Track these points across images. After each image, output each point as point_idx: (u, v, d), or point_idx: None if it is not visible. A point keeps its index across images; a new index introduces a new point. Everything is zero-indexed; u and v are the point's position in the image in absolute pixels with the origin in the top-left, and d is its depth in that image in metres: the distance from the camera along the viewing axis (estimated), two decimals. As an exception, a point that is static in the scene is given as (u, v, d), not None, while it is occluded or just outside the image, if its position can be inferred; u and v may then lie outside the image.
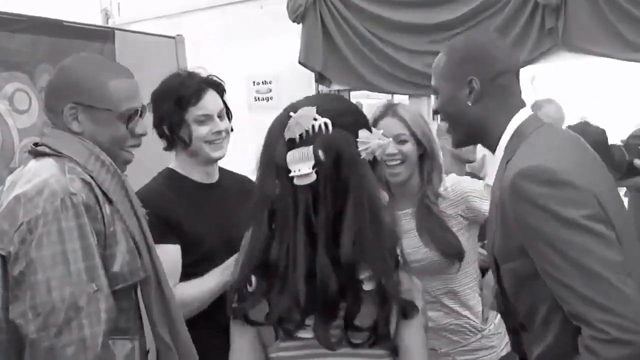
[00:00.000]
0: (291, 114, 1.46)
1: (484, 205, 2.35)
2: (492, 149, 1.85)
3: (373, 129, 1.52)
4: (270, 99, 5.10)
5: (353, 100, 5.08)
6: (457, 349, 2.49)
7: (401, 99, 4.76)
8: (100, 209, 1.81)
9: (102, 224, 1.80)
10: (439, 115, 2.00)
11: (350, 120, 1.49)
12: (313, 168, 1.40)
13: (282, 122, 1.47)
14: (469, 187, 2.47)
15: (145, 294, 1.92)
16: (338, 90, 4.90)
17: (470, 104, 1.82)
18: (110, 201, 1.85)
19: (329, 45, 4.63)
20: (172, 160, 2.46)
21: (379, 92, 4.85)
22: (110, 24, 5.39)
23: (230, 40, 5.07)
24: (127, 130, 1.92)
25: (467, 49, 1.88)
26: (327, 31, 4.62)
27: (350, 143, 1.44)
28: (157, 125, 2.36)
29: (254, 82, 5.12)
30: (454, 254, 2.41)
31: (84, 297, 1.68)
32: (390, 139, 1.64)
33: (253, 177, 3.60)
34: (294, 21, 4.65)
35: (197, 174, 2.38)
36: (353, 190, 1.41)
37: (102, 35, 3.62)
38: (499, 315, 2.52)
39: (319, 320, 1.42)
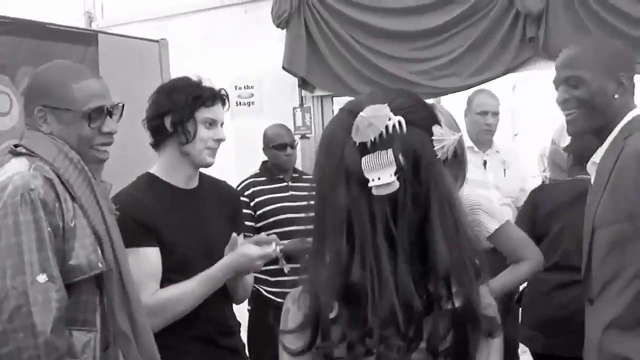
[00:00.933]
0: (360, 114, 1.24)
1: (489, 222, 2.40)
2: (603, 136, 2.05)
3: (442, 124, 1.33)
4: (252, 103, 5.11)
5: (336, 107, 5.13)
6: None
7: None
8: (61, 204, 1.90)
9: (62, 219, 1.90)
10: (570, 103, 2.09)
11: (424, 116, 1.29)
12: (395, 174, 1.20)
13: (345, 122, 1.26)
14: (481, 201, 2.46)
15: (107, 287, 2.00)
16: (321, 96, 4.92)
17: (617, 97, 2.02)
18: (73, 197, 1.95)
19: (312, 51, 4.65)
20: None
21: (361, 98, 4.87)
22: (94, 27, 5.37)
23: (213, 45, 5.07)
24: (93, 129, 2.01)
25: (615, 46, 2.13)
26: (311, 37, 4.64)
27: (426, 143, 1.25)
28: (157, 116, 2.35)
29: (236, 87, 5.11)
30: None
31: (35, 286, 1.78)
32: (461, 132, 1.48)
33: (234, 180, 3.60)
34: (278, 26, 4.66)
35: (179, 178, 2.38)
36: (434, 195, 1.24)
37: (86, 38, 3.62)
38: None
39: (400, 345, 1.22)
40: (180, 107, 2.32)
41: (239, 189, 3.70)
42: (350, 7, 4.54)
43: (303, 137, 4.82)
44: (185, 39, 4.93)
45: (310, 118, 4.87)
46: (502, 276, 2.49)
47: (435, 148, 1.25)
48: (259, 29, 4.85)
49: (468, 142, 4.00)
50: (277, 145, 3.96)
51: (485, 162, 3.94)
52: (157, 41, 4.16)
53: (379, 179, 1.20)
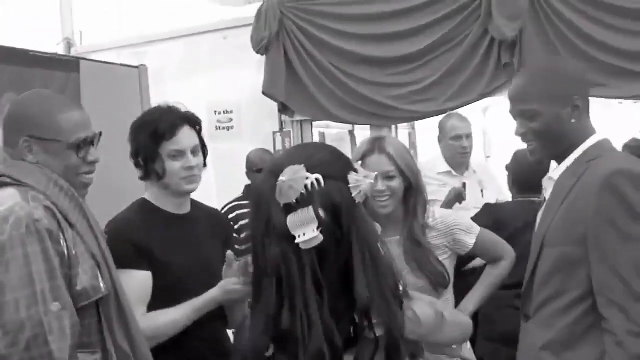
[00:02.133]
0: (281, 178, 1.35)
1: (468, 239, 2.52)
2: (564, 158, 2.02)
3: (357, 166, 1.46)
4: (231, 128, 5.16)
5: (315, 131, 5.18)
6: None
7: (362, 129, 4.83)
8: (63, 233, 1.94)
9: (65, 247, 1.93)
10: (531, 137, 2.07)
11: (339, 168, 1.41)
12: (317, 229, 1.31)
13: (270, 185, 1.37)
14: (457, 221, 2.57)
15: (106, 308, 2.02)
16: (300, 121, 4.98)
17: (574, 121, 1.98)
18: (71, 225, 1.98)
19: (291, 77, 4.70)
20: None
21: (340, 122, 4.94)
22: (73, 53, 5.37)
23: (192, 70, 5.11)
24: (79, 159, 2.05)
25: (566, 69, 2.08)
26: (290, 63, 4.69)
27: (344, 192, 1.37)
28: (134, 156, 2.39)
29: (215, 112, 5.16)
30: (441, 282, 2.49)
31: (49, 315, 1.81)
32: (376, 172, 1.61)
33: (215, 203, 3.60)
34: (257, 52, 4.71)
35: (170, 205, 2.41)
36: (354, 238, 1.36)
37: (67, 65, 3.66)
38: (469, 343, 2.59)
39: None
40: (144, 147, 2.35)
41: (223, 211, 3.73)
42: (328, 34, 4.61)
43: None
44: (164, 64, 4.96)
45: (290, 142, 4.92)
46: (485, 278, 2.62)
47: (353, 194, 1.37)
48: (238, 55, 4.90)
49: (445, 167, 4.11)
50: (260, 169, 4.00)
51: (464, 185, 4.01)
52: (137, 67, 4.21)
53: (304, 234, 1.31)
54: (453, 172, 4.10)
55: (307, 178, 1.34)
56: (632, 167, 1.85)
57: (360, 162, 2.48)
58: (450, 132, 4.11)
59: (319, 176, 1.35)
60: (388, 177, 2.47)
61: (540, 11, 4.04)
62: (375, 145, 2.50)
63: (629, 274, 1.76)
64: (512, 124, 2.13)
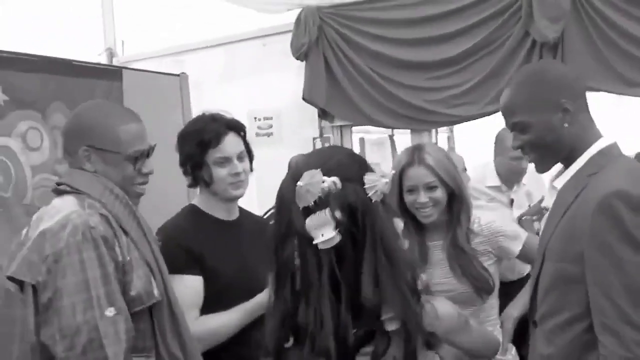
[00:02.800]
0: (299, 183, 1.43)
1: (513, 246, 2.50)
2: (570, 162, 1.93)
3: (373, 167, 1.54)
4: (271, 134, 5.19)
5: (355, 136, 5.18)
6: None
7: (402, 133, 4.81)
8: (117, 239, 1.98)
9: (119, 253, 1.97)
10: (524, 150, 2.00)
11: (355, 169, 1.49)
12: (335, 229, 1.40)
13: (290, 188, 1.46)
14: (502, 228, 2.55)
15: (158, 314, 2.06)
16: (340, 126, 4.99)
17: (567, 126, 1.89)
18: (125, 232, 2.02)
19: (331, 82, 4.72)
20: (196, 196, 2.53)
21: (380, 127, 4.93)
22: (115, 62, 5.48)
23: (231, 78, 5.18)
24: (135, 170, 2.10)
25: (551, 74, 1.98)
26: (330, 68, 4.72)
27: (359, 193, 1.45)
28: (182, 164, 2.44)
29: (255, 118, 5.20)
30: (485, 288, 2.48)
31: (104, 320, 1.86)
32: (393, 171, 1.67)
33: (256, 210, 3.64)
34: (297, 59, 4.75)
35: (218, 211, 2.45)
36: (369, 235, 1.43)
37: (110, 74, 3.72)
38: (514, 348, 2.57)
39: None
40: (191, 156, 2.39)
41: (264, 217, 3.75)
42: (367, 39, 4.62)
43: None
44: (204, 72, 5.02)
45: (330, 148, 4.94)
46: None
47: (369, 194, 1.44)
48: (278, 61, 4.95)
49: (495, 182, 3.90)
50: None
51: (512, 201, 3.89)
52: (177, 75, 4.25)
53: (322, 235, 1.39)
54: (503, 187, 3.89)
55: (323, 182, 1.42)
56: (631, 189, 1.75)
57: (400, 173, 2.48)
58: (512, 151, 3.91)
59: (336, 179, 1.43)
60: (430, 188, 2.45)
61: (582, 11, 3.99)
62: (415, 156, 2.48)
63: (622, 299, 1.70)
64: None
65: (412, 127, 4.69)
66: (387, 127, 4.97)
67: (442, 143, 6.19)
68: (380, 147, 5.62)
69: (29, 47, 3.42)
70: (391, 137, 5.74)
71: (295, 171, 1.47)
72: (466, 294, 2.47)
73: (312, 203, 1.41)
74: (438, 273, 2.51)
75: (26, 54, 3.22)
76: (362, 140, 5.69)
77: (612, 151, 1.90)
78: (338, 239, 1.40)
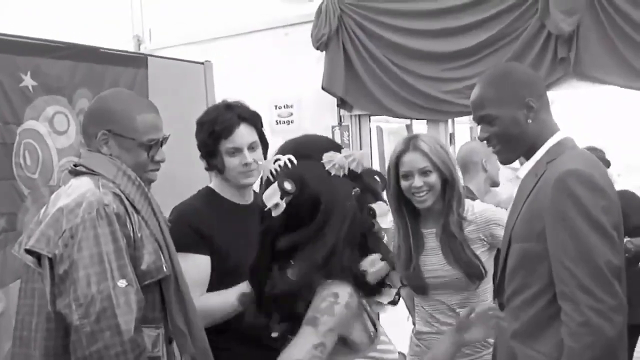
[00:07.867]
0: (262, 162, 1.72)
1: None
2: (530, 155, 2.13)
3: (344, 149, 1.68)
4: (292, 122, 5.30)
5: (373, 125, 5.26)
6: None
7: (419, 123, 4.87)
8: (129, 217, 2.12)
9: (131, 230, 2.11)
10: (491, 142, 2.18)
11: (313, 148, 1.66)
12: (281, 198, 1.56)
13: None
14: (495, 216, 2.67)
15: (166, 288, 2.20)
16: (359, 115, 5.08)
17: (530, 122, 2.09)
18: (137, 210, 2.15)
19: (350, 72, 4.80)
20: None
21: (397, 117, 5.00)
22: (142, 50, 5.60)
23: (254, 66, 5.26)
24: (148, 157, 2.24)
25: (517, 73, 2.19)
26: (349, 59, 4.80)
27: (313, 167, 1.61)
28: (199, 150, 2.57)
29: (275, 106, 5.31)
30: (476, 274, 2.57)
31: (117, 290, 1.97)
32: (362, 151, 1.83)
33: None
34: (317, 49, 4.83)
35: (232, 195, 2.57)
36: (323, 202, 1.58)
37: (136, 61, 3.80)
38: None
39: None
40: (205, 145, 2.53)
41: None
42: (386, 30, 4.70)
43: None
44: (227, 61, 5.10)
45: (349, 136, 5.04)
46: None
47: (327, 168, 1.61)
48: (299, 51, 5.03)
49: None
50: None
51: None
52: (202, 63, 4.34)
53: (271, 203, 1.57)
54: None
55: (278, 160, 1.62)
56: (581, 167, 1.94)
57: (396, 161, 2.59)
58: None
59: (291, 156, 1.62)
60: (424, 173, 2.56)
61: (597, 5, 4.02)
62: (410, 143, 2.60)
63: (578, 267, 1.84)
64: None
65: (429, 117, 4.76)
66: (403, 117, 5.04)
67: (464, 134, 6.24)
68: (398, 136, 5.68)
69: (58, 34, 3.52)
70: (408, 126, 5.81)
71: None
72: (458, 279, 2.56)
73: (271, 177, 1.61)
74: (431, 260, 2.62)
75: (55, 41, 3.30)
76: (379, 129, 5.76)
77: (566, 143, 2.09)
78: (283, 206, 1.56)
